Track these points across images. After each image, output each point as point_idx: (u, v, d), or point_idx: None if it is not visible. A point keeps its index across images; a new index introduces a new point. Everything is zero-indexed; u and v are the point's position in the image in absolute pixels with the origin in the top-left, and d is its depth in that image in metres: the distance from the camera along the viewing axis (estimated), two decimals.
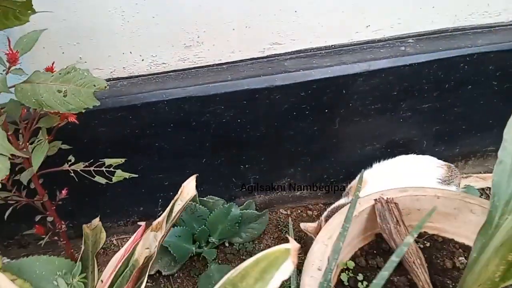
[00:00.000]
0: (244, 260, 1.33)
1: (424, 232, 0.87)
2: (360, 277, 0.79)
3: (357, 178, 1.31)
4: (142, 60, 1.13)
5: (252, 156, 1.29)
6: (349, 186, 1.28)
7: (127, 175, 0.83)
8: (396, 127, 1.31)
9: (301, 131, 1.25)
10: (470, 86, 1.24)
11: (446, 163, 1.30)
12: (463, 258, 0.82)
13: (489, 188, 1.47)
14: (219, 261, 1.29)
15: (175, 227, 1.25)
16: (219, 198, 1.32)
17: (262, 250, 1.38)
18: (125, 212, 1.35)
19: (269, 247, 1.38)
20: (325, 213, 1.21)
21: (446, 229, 0.86)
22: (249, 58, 1.19)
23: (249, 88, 1.13)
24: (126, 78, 1.15)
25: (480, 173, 1.50)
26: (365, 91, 1.19)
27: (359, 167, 1.30)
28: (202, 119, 1.17)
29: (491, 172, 1.50)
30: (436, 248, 0.84)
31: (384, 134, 1.32)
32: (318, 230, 1.20)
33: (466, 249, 0.84)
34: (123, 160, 0.85)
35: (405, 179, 1.22)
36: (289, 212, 1.46)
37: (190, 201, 1.30)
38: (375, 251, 0.85)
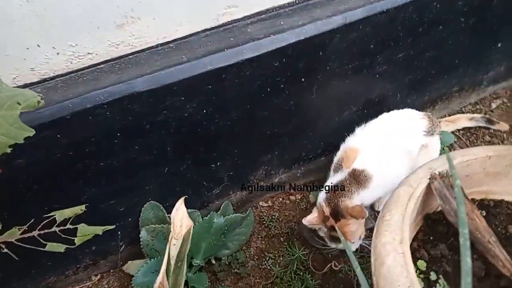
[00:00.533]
0: (239, 273, 1.13)
1: (472, 199, 0.75)
2: (433, 276, 0.64)
3: (341, 149, 1.17)
4: (57, 53, 0.80)
5: (223, 151, 1.06)
6: (336, 160, 1.13)
7: (98, 229, 0.54)
8: (373, 83, 1.17)
9: (276, 108, 1.04)
10: (441, 27, 1.15)
11: (425, 113, 1.22)
12: None
13: (458, 130, 1.45)
14: (209, 283, 1.06)
15: (149, 261, 0.97)
16: (193, 210, 1.07)
17: (254, 256, 1.18)
18: (71, 257, 1.03)
19: (261, 250, 1.20)
20: (323, 196, 1.05)
21: (493, 190, 0.75)
22: (202, 29, 0.93)
23: (213, 68, 0.88)
24: (39, 82, 0.81)
25: (445, 116, 1.47)
26: (342, 49, 1.02)
27: (338, 135, 1.16)
28: (158, 119, 0.89)
29: (455, 114, 1.51)
30: (492, 215, 0.73)
31: (360, 94, 1.18)
32: (322, 217, 1.04)
33: None
34: (83, 207, 0.56)
35: (396, 138, 1.11)
36: (270, 203, 1.27)
37: (156, 223, 1.04)
38: (431, 237, 0.70)
